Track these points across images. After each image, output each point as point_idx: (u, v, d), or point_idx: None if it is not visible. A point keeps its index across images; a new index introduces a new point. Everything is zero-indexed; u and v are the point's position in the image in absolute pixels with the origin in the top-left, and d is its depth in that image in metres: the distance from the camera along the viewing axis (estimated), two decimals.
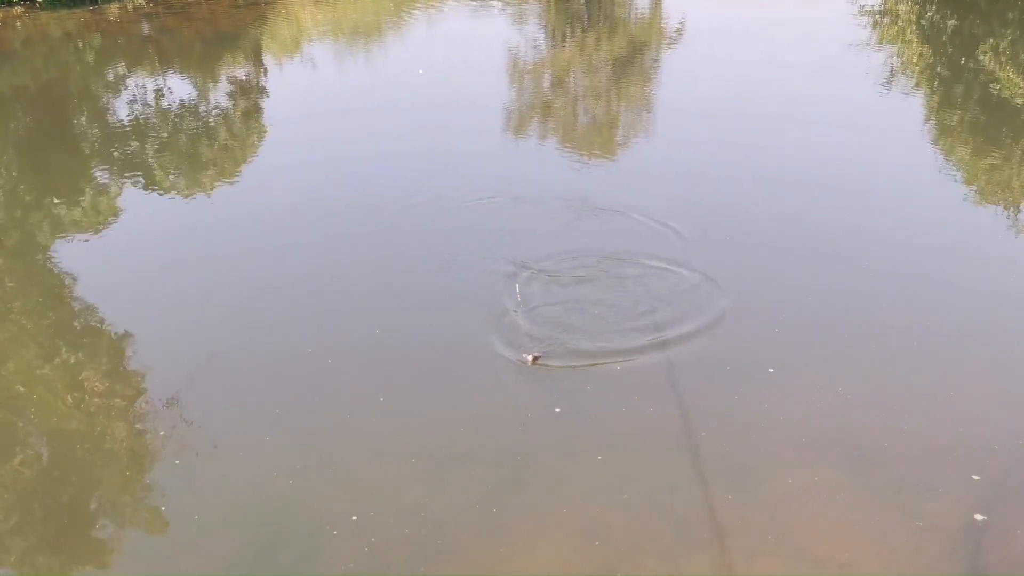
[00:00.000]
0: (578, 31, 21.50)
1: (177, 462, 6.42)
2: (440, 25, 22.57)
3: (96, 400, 7.20)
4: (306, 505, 5.91)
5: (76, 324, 8.49)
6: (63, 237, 10.21)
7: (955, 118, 13.89)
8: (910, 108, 14.52)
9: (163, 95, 15.91)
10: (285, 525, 5.77)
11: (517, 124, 14.31)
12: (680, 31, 20.71)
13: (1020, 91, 14.60)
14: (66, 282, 9.24)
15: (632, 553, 5.49)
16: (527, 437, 6.52)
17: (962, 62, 16.96)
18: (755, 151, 12.07)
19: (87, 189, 11.65)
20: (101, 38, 19.85)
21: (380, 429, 6.65)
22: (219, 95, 16.26)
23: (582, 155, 12.80)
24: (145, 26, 21.42)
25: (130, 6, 22.14)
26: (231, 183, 12.07)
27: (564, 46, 20.10)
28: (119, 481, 6.39)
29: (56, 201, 11.09)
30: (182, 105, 15.41)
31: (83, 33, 20.01)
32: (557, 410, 6.75)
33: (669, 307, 7.91)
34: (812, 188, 10.84)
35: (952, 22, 19.84)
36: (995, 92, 14.73)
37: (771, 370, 7.15)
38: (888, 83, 15.78)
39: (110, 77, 17.84)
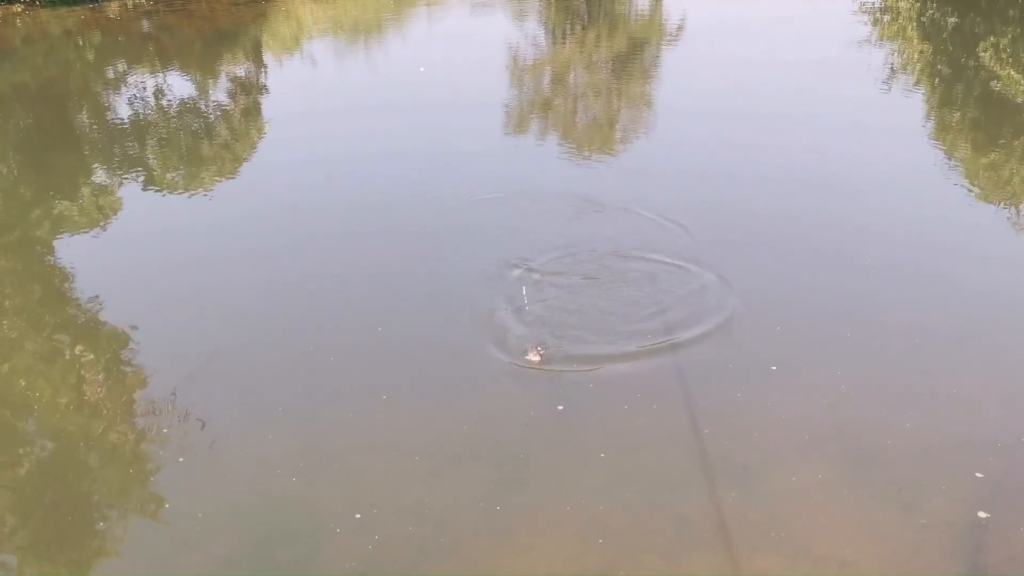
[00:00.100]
0: (578, 28, 21.50)
1: (181, 459, 6.42)
2: (440, 23, 22.56)
3: (96, 398, 7.20)
4: (309, 503, 5.92)
5: (76, 322, 8.49)
6: (63, 235, 10.21)
7: (955, 116, 13.89)
8: (910, 106, 14.52)
9: (163, 93, 15.91)
10: (288, 523, 5.77)
11: (517, 122, 14.31)
12: (680, 28, 20.71)
13: (1021, 89, 14.59)
14: (66, 279, 9.24)
15: (634, 551, 5.49)
16: (530, 435, 6.53)
17: (963, 60, 16.96)
18: (755, 149, 12.07)
19: (87, 187, 11.65)
20: (101, 36, 19.84)
21: (383, 427, 6.65)
22: (219, 93, 16.27)
23: (582, 153, 12.80)
24: (145, 24, 21.41)
25: (130, 4, 22.12)
26: (231, 181, 12.07)
27: (564, 44, 20.10)
28: (120, 479, 6.39)
29: (56, 199, 11.09)
30: (182, 103, 15.41)
31: (83, 31, 20.00)
32: (560, 408, 6.75)
33: (671, 306, 7.91)
34: (813, 186, 10.84)
35: (952, 20, 19.84)
36: (996, 90, 14.74)
37: (773, 368, 7.16)
38: (888, 81, 15.78)
39: (110, 75, 17.84)
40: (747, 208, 10.09)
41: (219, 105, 15.47)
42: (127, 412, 7.04)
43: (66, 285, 9.16)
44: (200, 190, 11.69)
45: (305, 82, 17.34)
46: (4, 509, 6.09)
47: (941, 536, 5.55)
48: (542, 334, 7.52)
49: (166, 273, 9.09)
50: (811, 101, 14.30)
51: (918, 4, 20.99)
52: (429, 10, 23.81)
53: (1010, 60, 15.93)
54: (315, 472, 6.20)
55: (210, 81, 16.98)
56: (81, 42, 19.36)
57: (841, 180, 10.92)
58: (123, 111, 15.09)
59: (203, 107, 15.37)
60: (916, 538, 5.55)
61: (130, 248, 9.91)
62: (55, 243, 10.03)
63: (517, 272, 8.52)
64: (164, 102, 15.41)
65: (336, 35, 21.72)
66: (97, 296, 8.75)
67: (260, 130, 14.29)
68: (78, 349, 7.95)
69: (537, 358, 7.15)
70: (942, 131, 13.31)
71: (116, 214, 10.89)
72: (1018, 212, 10.21)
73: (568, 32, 21.32)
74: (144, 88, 16.21)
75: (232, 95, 16.11)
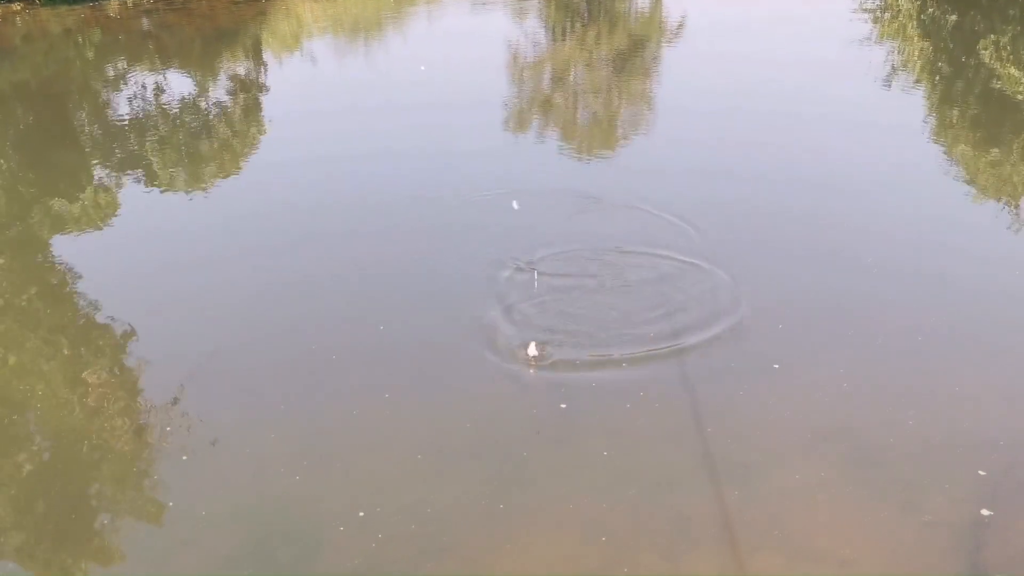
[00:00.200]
0: (578, 26, 21.49)
1: (184, 458, 6.41)
2: (440, 21, 22.54)
3: (97, 396, 7.20)
4: (312, 502, 5.91)
5: (77, 320, 8.48)
6: (63, 233, 10.20)
7: (956, 114, 13.89)
8: (911, 104, 14.52)
9: (163, 91, 15.89)
10: (291, 521, 5.77)
11: (517, 121, 14.30)
12: (680, 27, 20.70)
13: (1021, 87, 14.59)
14: (66, 278, 9.23)
15: (637, 550, 5.49)
16: (532, 434, 6.52)
17: (963, 58, 16.96)
18: (755, 148, 12.06)
19: (87, 185, 11.63)
20: (101, 34, 19.81)
21: (385, 425, 6.64)
22: (219, 91, 16.25)
23: (582, 152, 12.80)
24: (145, 22, 21.38)
25: (130, 2, 22.09)
26: (231, 180, 12.06)
27: (564, 42, 20.09)
28: (122, 478, 6.38)
29: (56, 197, 11.07)
30: (182, 101, 15.39)
31: (83, 29, 19.97)
32: (563, 406, 6.75)
33: (672, 305, 7.91)
34: (813, 185, 10.83)
35: (952, 18, 19.83)
36: (996, 88, 14.74)
37: (776, 366, 7.16)
38: (889, 79, 15.78)
39: (110, 73, 17.82)
40: (748, 207, 10.09)
41: (219, 104, 15.45)
42: (128, 409, 7.03)
43: (66, 282, 9.15)
44: (200, 189, 11.68)
45: (305, 81, 17.32)
46: (4, 508, 6.08)
47: (944, 534, 5.55)
48: (542, 332, 7.51)
49: (166, 270, 9.08)
50: (811, 100, 14.29)
51: (918, 2, 20.98)
52: (429, 8, 23.79)
53: (1010, 58, 15.92)
54: (318, 470, 6.20)
55: (210, 80, 16.96)
56: (81, 40, 19.33)
57: (841, 179, 10.92)
58: (123, 110, 15.07)
59: (203, 106, 15.35)
60: (919, 536, 5.55)
61: (130, 247, 9.90)
62: (55, 241, 10.02)
63: (517, 270, 8.51)
64: (164, 100, 15.39)
65: (336, 34, 21.70)
66: (97, 293, 8.74)
67: (260, 129, 14.27)
68: (79, 346, 7.95)
69: (535, 353, 7.15)
70: (942, 129, 13.31)
71: (116, 213, 10.87)
72: (1019, 211, 10.21)
73: (568, 30, 21.31)
74: (144, 87, 16.18)
75: (232, 94, 16.09)
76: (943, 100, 14.64)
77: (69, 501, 6.17)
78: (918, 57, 17.51)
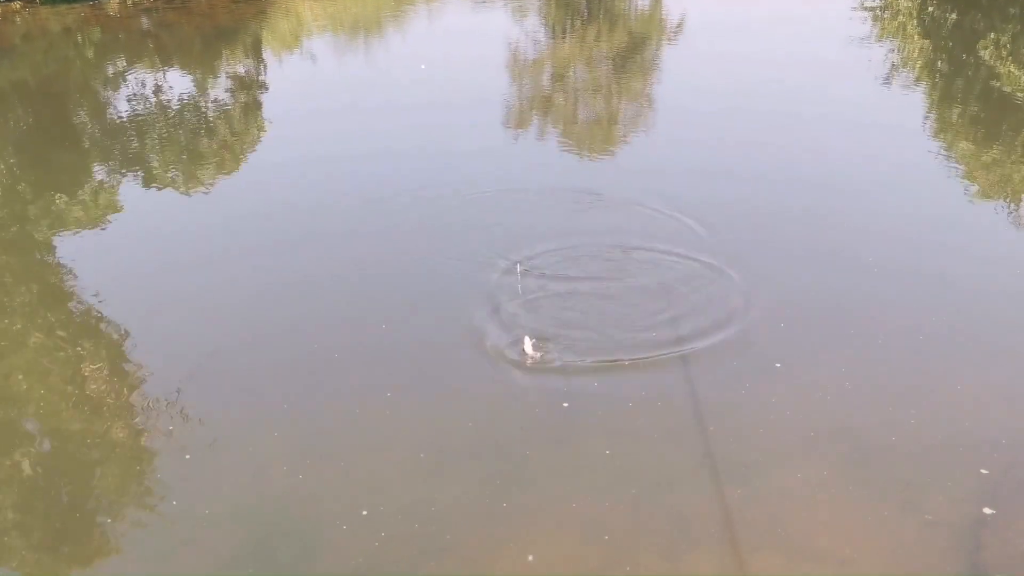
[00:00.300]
0: (578, 25, 21.49)
1: (187, 457, 6.41)
2: (440, 20, 22.54)
3: (98, 396, 7.20)
4: (315, 500, 5.91)
5: (76, 320, 8.48)
6: (63, 232, 10.19)
7: (956, 113, 13.89)
8: (911, 104, 14.52)
9: (163, 90, 15.89)
10: (294, 520, 5.77)
11: (518, 120, 14.30)
12: (680, 26, 20.69)
13: (1022, 86, 14.60)
14: (66, 277, 9.23)
15: (637, 550, 5.49)
16: (536, 432, 6.53)
17: (963, 57, 16.96)
18: (755, 148, 12.07)
19: (87, 184, 11.63)
20: (101, 33, 19.81)
21: (388, 424, 6.64)
22: (219, 91, 16.25)
23: (582, 151, 12.80)
24: (144, 21, 21.38)
25: (129, 1, 22.08)
26: (231, 179, 12.06)
27: (564, 41, 20.09)
28: (123, 477, 6.38)
29: (56, 197, 11.07)
30: (182, 100, 15.39)
31: (83, 28, 19.96)
32: (565, 405, 6.76)
33: (674, 304, 7.91)
34: (813, 185, 10.83)
35: (953, 16, 19.85)
36: (996, 87, 14.74)
37: (777, 365, 7.16)
38: (889, 78, 15.78)
39: (110, 72, 17.82)
40: (748, 207, 10.09)
41: (219, 103, 15.45)
42: (128, 409, 7.03)
43: (66, 282, 9.14)
44: (200, 188, 11.68)
45: (305, 80, 17.32)
46: (5, 508, 6.08)
47: (944, 533, 5.55)
48: (542, 330, 7.52)
49: (166, 270, 9.08)
50: (811, 99, 14.30)
51: (918, 1, 20.98)
52: (429, 7, 23.78)
53: (1010, 57, 15.93)
54: (320, 470, 6.19)
55: (210, 79, 16.96)
56: (81, 39, 19.33)
57: (841, 179, 10.92)
58: (123, 108, 15.07)
59: (203, 105, 15.35)
60: (919, 536, 5.55)
61: (130, 246, 9.89)
62: (55, 241, 10.02)
63: (517, 269, 8.52)
64: (164, 99, 15.39)
65: (336, 32, 21.70)
66: (97, 292, 8.74)
67: (260, 128, 14.27)
68: (78, 345, 7.95)
69: (531, 350, 7.14)
70: (942, 129, 13.30)
71: (116, 212, 10.87)
72: (1019, 210, 10.21)
73: (568, 28, 21.31)
74: (144, 85, 16.19)
75: (232, 93, 16.09)
76: (943, 99, 14.64)
77: (69, 501, 6.17)
78: (918, 56, 17.51)
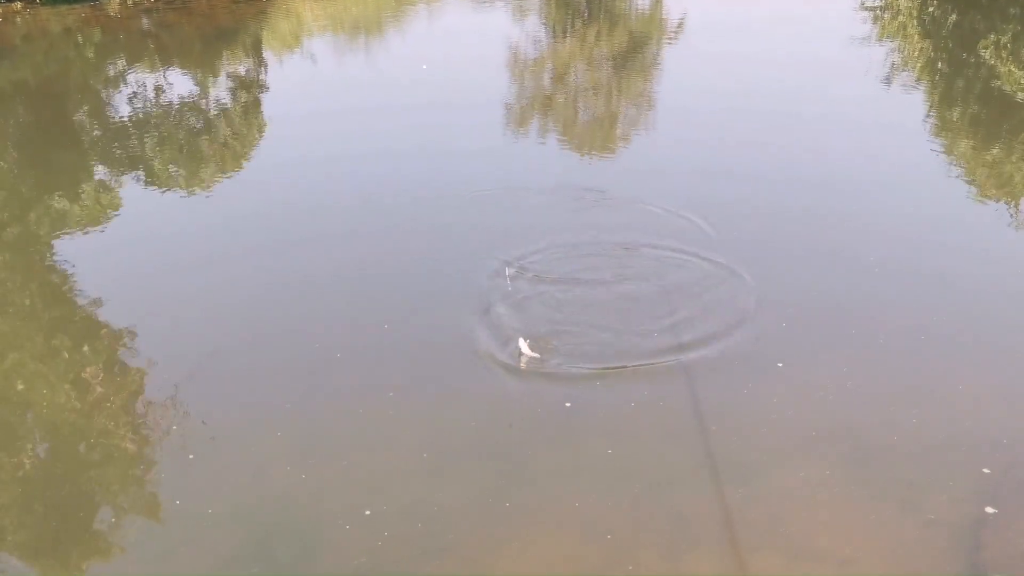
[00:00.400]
0: (578, 25, 21.49)
1: (191, 456, 6.41)
2: (440, 20, 22.54)
3: (98, 396, 7.19)
4: (317, 500, 5.91)
5: (77, 320, 8.48)
6: (63, 232, 10.19)
7: (956, 113, 13.88)
8: (911, 103, 14.52)
9: (163, 91, 15.88)
10: (297, 519, 5.77)
11: (518, 120, 14.30)
12: (681, 26, 20.69)
13: (1022, 86, 14.59)
14: (66, 277, 9.23)
15: (638, 549, 5.49)
16: (537, 431, 6.53)
17: (963, 57, 16.96)
18: (755, 148, 12.06)
19: (87, 184, 11.63)
20: (101, 33, 19.81)
21: (389, 424, 6.64)
22: (219, 91, 16.24)
23: (582, 151, 12.80)
24: (145, 21, 21.37)
25: (130, 1, 22.07)
26: (231, 179, 12.06)
27: (564, 41, 20.09)
28: (123, 477, 6.38)
29: (57, 197, 11.07)
30: (182, 101, 15.39)
31: (83, 28, 19.96)
32: (567, 405, 6.75)
33: (676, 304, 7.91)
34: (814, 185, 10.83)
35: (953, 17, 19.84)
36: (996, 87, 14.73)
37: (780, 365, 7.16)
38: (889, 78, 15.78)
39: (110, 72, 17.81)
40: (748, 207, 10.08)
41: (219, 103, 15.45)
42: (129, 409, 7.03)
43: (66, 282, 9.14)
44: (200, 189, 11.67)
45: (305, 80, 17.31)
46: (6, 507, 6.08)
47: (945, 533, 5.55)
48: (542, 329, 7.52)
49: (166, 272, 9.07)
50: (811, 99, 14.29)
51: (918, 1, 20.97)
52: (429, 7, 23.78)
53: (1011, 57, 15.92)
54: (322, 469, 6.19)
55: (210, 79, 16.95)
56: (81, 40, 19.32)
57: (842, 179, 10.92)
58: (123, 109, 15.06)
59: (203, 105, 15.34)
60: (920, 536, 5.55)
61: (130, 246, 9.89)
62: (55, 241, 10.02)
63: (518, 268, 8.51)
64: (164, 100, 15.39)
65: (336, 33, 21.70)
66: (97, 292, 8.74)
67: (260, 128, 14.27)
68: (79, 345, 7.94)
69: (527, 349, 7.14)
70: (943, 129, 13.30)
71: (116, 212, 10.87)
72: (1019, 210, 10.20)
73: (569, 28, 21.32)
74: (144, 86, 16.18)
75: (232, 93, 16.08)
76: (943, 99, 14.64)
77: (70, 500, 6.16)
78: (918, 56, 17.51)
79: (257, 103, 15.64)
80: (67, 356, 7.79)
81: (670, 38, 20.08)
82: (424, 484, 6.02)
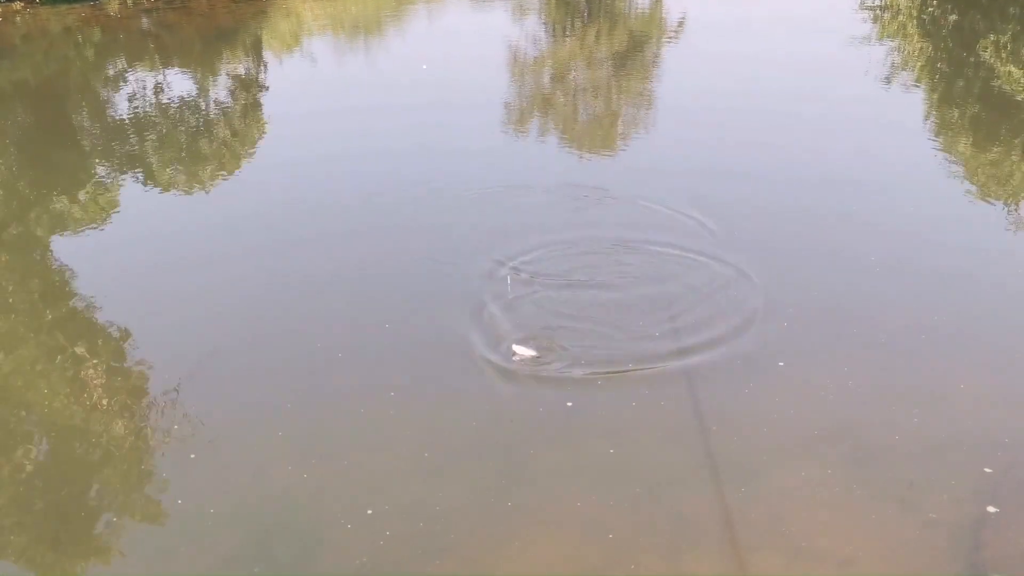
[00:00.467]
0: (578, 25, 21.50)
1: (191, 456, 6.41)
2: (440, 20, 22.54)
3: (98, 396, 7.19)
4: (318, 500, 5.91)
5: (76, 319, 8.48)
6: (63, 232, 10.20)
7: (956, 113, 13.88)
8: (911, 103, 14.52)
9: (163, 90, 15.89)
10: (299, 519, 5.77)
11: (518, 120, 14.31)
12: (681, 26, 20.70)
13: (1021, 86, 14.59)
14: (66, 277, 9.23)
15: (638, 549, 5.49)
16: (538, 431, 6.53)
17: (963, 57, 16.96)
18: (755, 147, 12.06)
19: (87, 184, 11.64)
20: (101, 33, 19.81)
21: (390, 424, 6.64)
22: (219, 91, 16.25)
23: (583, 151, 12.80)
24: (145, 21, 21.39)
25: (130, 1, 22.08)
26: (231, 179, 12.07)
27: (564, 41, 20.09)
28: (123, 477, 6.38)
29: (56, 196, 11.07)
30: (182, 100, 15.39)
31: (83, 28, 19.97)
32: (569, 404, 6.76)
33: (677, 303, 7.91)
34: (814, 185, 10.84)
35: (953, 17, 19.85)
36: (996, 87, 14.73)
37: (780, 364, 7.16)
38: (889, 78, 15.78)
39: (110, 72, 17.82)
40: (749, 207, 10.08)
41: (219, 103, 15.46)
42: (128, 408, 7.03)
43: (66, 281, 9.15)
44: (200, 188, 11.68)
45: (305, 80, 17.32)
46: (5, 507, 6.08)
47: (946, 533, 5.55)
48: (542, 329, 7.52)
49: (166, 272, 9.07)
50: (811, 99, 14.28)
51: (918, 1, 20.98)
52: (429, 7, 23.78)
53: (1010, 57, 15.92)
54: (324, 469, 6.19)
55: (210, 79, 16.96)
56: (81, 40, 19.33)
57: (842, 178, 10.91)
58: (123, 109, 15.07)
59: (203, 105, 15.35)
60: (920, 535, 5.54)
61: (130, 246, 9.89)
62: (55, 241, 10.02)
63: (518, 268, 8.51)
64: (164, 100, 15.39)
65: (336, 32, 21.70)
66: (97, 292, 8.73)
67: (260, 128, 14.28)
68: (78, 345, 7.94)
69: (522, 350, 7.13)
70: (943, 128, 13.30)
71: (116, 212, 10.87)
72: (1020, 210, 10.20)
73: (568, 28, 21.32)
74: (144, 86, 16.19)
75: (232, 93, 16.09)
76: (943, 99, 14.64)
77: (70, 500, 6.16)
78: (918, 56, 17.51)
79: (257, 103, 15.65)
80: (67, 356, 7.78)
81: (670, 38, 20.08)
82: (425, 484, 6.02)
